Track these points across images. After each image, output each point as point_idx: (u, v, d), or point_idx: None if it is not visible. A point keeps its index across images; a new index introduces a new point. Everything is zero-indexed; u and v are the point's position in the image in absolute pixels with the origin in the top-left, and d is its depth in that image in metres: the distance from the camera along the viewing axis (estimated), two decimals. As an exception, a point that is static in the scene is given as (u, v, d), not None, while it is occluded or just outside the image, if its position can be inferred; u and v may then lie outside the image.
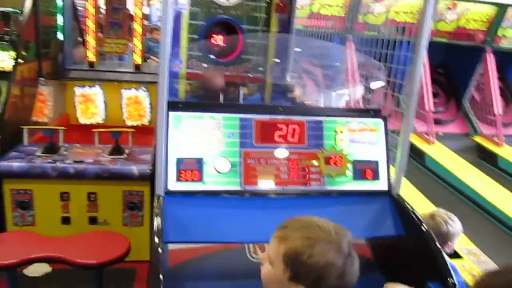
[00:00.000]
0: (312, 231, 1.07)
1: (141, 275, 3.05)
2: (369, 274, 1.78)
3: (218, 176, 1.66)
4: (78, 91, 3.89)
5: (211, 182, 1.65)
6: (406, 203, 1.76)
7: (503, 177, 4.30)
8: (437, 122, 4.96)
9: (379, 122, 1.86)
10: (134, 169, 2.92)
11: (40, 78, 3.63)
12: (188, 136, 1.65)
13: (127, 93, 3.97)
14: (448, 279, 1.49)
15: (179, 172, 1.63)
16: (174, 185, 1.62)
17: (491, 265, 2.38)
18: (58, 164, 2.85)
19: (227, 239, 1.62)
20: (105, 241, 2.49)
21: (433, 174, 4.19)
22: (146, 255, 3.15)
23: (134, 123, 3.95)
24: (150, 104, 3.97)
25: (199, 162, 1.65)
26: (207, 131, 1.67)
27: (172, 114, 1.62)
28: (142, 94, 4.00)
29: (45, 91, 3.79)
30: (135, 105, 4.03)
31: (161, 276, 1.32)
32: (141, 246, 2.93)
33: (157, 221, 1.48)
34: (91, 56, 4.02)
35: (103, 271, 2.43)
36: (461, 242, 2.71)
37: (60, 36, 4.00)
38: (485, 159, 4.64)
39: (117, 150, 3.07)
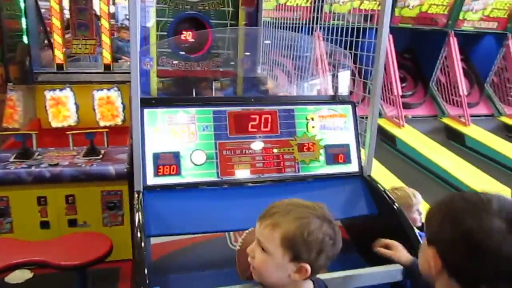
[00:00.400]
0: (300, 211, 1.12)
1: (124, 274, 3.07)
2: (346, 253, 1.86)
3: (195, 168, 1.70)
4: (48, 94, 3.82)
5: (189, 175, 1.69)
6: (377, 184, 1.84)
7: (470, 155, 4.47)
8: (406, 106, 5.10)
9: (348, 108, 1.94)
10: (111, 169, 2.92)
11: (9, 84, 3.57)
12: (163, 132, 1.69)
13: (99, 94, 3.93)
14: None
15: (156, 167, 1.66)
16: (152, 180, 1.65)
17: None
18: (33, 169, 2.82)
19: (207, 229, 1.67)
20: (86, 242, 2.50)
21: (404, 156, 4.32)
22: (128, 254, 3.16)
23: (108, 124, 3.91)
24: (123, 103, 3.94)
25: (176, 156, 1.68)
26: (182, 126, 1.71)
27: (146, 111, 1.65)
28: (114, 94, 3.96)
29: (14, 97, 3.72)
30: (108, 105, 3.99)
31: (145, 271, 1.35)
32: (123, 245, 2.93)
33: (138, 216, 1.51)
34: (60, 56, 3.96)
35: (86, 272, 2.44)
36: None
37: (25, 39, 3.92)
38: (453, 139, 4.81)
39: (92, 151, 3.07)
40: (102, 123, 3.90)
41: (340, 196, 1.80)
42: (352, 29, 2.55)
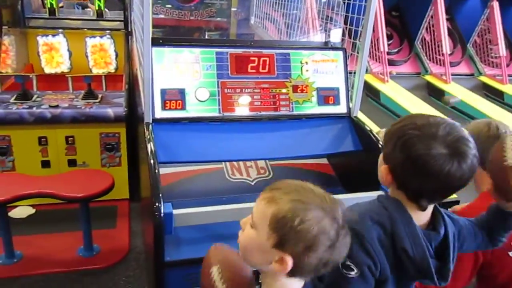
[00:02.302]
0: (305, 195, 0.93)
1: (122, 211, 3.27)
2: (332, 188, 2.06)
3: (199, 104, 1.86)
4: (41, 40, 3.83)
5: (193, 110, 1.85)
6: (363, 124, 2.03)
7: (449, 111, 4.68)
8: (391, 63, 5.24)
9: (339, 54, 2.09)
10: (110, 111, 3.05)
11: (4, 26, 3.59)
12: (170, 69, 1.82)
13: (92, 41, 3.95)
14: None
15: (164, 101, 1.81)
16: (160, 113, 1.80)
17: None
18: (35, 110, 2.94)
19: (210, 159, 1.85)
20: (90, 177, 2.66)
21: (387, 110, 4.51)
22: (125, 193, 3.38)
23: (101, 71, 3.96)
24: (115, 51, 3.98)
25: (181, 92, 1.83)
26: (187, 64, 1.84)
27: (154, 49, 1.77)
28: (107, 42, 3.98)
29: (7, 41, 3.75)
30: (101, 52, 4.02)
31: (160, 195, 1.52)
32: (120, 186, 3.13)
33: (150, 146, 1.67)
34: (52, 1, 3.97)
35: (88, 205, 2.62)
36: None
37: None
38: (434, 95, 5.02)
39: (90, 94, 3.18)
40: (95, 70, 3.95)
41: (329, 133, 1.99)
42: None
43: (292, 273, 0.93)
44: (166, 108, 1.81)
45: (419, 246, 1.05)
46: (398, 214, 1.08)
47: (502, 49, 5.39)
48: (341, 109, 2.06)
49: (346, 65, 2.09)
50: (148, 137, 1.70)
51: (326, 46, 2.16)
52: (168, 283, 1.56)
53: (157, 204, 1.48)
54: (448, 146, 1.00)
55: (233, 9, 4.11)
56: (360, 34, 2.05)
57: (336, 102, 2.05)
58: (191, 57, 1.85)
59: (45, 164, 3.11)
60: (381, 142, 1.94)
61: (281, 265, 0.91)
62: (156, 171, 1.58)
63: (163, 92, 1.81)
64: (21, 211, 3.09)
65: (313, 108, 2.02)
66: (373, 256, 1.06)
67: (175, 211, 1.51)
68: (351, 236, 0.97)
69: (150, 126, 1.77)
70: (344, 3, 2.37)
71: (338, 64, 2.07)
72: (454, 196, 1.34)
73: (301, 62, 2.01)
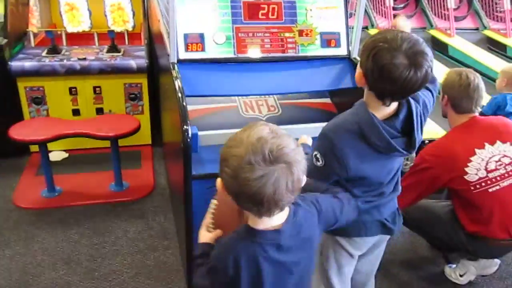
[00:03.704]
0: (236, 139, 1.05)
1: (145, 155, 3.62)
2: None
3: (217, 47, 2.13)
4: (63, 0, 4.06)
5: (212, 51, 2.13)
6: (361, 64, 2.29)
7: (452, 64, 4.87)
8: (398, 18, 5.41)
9: (341, 1, 2.33)
10: (133, 63, 3.34)
11: (28, -11, 3.83)
12: (191, 16, 2.09)
13: (110, 1, 4.15)
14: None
15: (186, 44, 2.09)
16: (183, 55, 2.08)
17: (431, 123, 2.99)
18: (65, 62, 3.23)
19: (228, 93, 2.16)
20: (118, 120, 2.99)
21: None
22: (148, 139, 3.71)
23: (119, 29, 4.19)
24: (133, 10, 4.19)
25: (201, 36, 2.11)
26: (206, 11, 2.11)
27: (177, -2, 2.03)
28: (124, 1, 4.19)
29: (32, 1, 4.00)
30: (119, 11, 4.22)
31: (189, 123, 1.81)
32: (143, 132, 3.45)
33: (177, 82, 1.95)
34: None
35: (118, 144, 2.94)
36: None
37: None
38: (438, 49, 5.19)
39: (114, 48, 3.46)
40: (114, 29, 4.20)
41: (331, 72, 2.26)
42: None
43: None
44: (188, 50, 2.09)
45: (382, 137, 1.37)
46: (365, 121, 1.38)
47: (507, 3, 5.50)
48: (342, 51, 2.32)
49: (346, 12, 2.33)
50: (175, 75, 1.99)
51: (328, -6, 2.40)
52: (194, 193, 1.89)
53: (185, 126, 1.79)
54: (409, 57, 1.25)
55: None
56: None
57: (338, 45, 2.31)
58: (209, 5, 2.11)
59: (76, 112, 3.43)
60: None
61: (218, 186, 1.12)
62: (184, 102, 1.88)
63: (186, 36, 2.09)
64: (56, 155, 3.45)
65: (316, 50, 2.28)
66: (340, 161, 1.39)
67: (200, 132, 1.81)
68: (325, 139, 1.39)
69: (176, 65, 2.05)
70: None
71: (339, 10, 2.31)
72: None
73: (305, 9, 2.26)
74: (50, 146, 2.94)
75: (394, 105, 1.41)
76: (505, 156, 2.11)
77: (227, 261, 1.10)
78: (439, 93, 2.08)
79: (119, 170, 3.04)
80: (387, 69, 1.26)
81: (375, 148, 1.40)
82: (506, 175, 2.11)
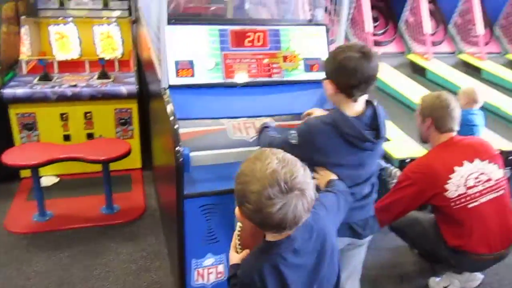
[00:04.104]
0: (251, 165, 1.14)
1: (135, 178, 3.68)
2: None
3: (206, 72, 2.25)
4: (53, 29, 4.14)
5: (201, 77, 2.24)
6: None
7: (431, 86, 5.08)
8: (378, 43, 5.61)
9: (322, 29, 2.48)
10: (123, 89, 3.44)
11: (21, 17, 3.94)
12: (181, 43, 2.21)
13: (100, 29, 4.27)
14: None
15: (177, 70, 2.20)
16: (174, 80, 2.19)
17: (413, 143, 3.13)
18: (57, 89, 3.32)
19: (216, 116, 2.24)
20: (109, 144, 3.07)
21: (375, 87, 4.91)
22: (138, 163, 3.77)
23: (108, 56, 4.31)
24: (121, 38, 4.31)
25: (191, 62, 2.22)
26: (195, 39, 2.23)
27: (169, 27, 2.15)
28: (113, 29, 4.31)
29: (23, 30, 4.10)
30: (108, 39, 4.34)
31: (181, 144, 1.91)
32: (133, 156, 3.52)
33: (169, 106, 2.05)
34: (62, -8, 4.31)
35: (109, 168, 3.01)
36: (393, 132, 3.47)
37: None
38: (417, 73, 5.41)
39: (104, 75, 3.57)
40: (103, 56, 4.31)
41: (314, 95, 2.37)
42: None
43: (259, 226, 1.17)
44: (179, 75, 2.20)
45: (354, 127, 1.61)
46: (338, 115, 1.65)
47: (481, 28, 5.77)
48: (324, 75, 2.45)
49: (327, 39, 2.48)
50: (167, 99, 2.09)
51: (310, 22, 2.55)
52: (187, 212, 1.97)
53: (177, 148, 1.88)
54: (360, 52, 1.55)
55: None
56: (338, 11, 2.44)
57: (320, 69, 2.44)
58: (199, 33, 2.24)
59: (67, 137, 3.51)
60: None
61: (238, 216, 1.21)
62: (176, 125, 1.98)
63: (177, 63, 2.20)
64: (47, 180, 3.49)
65: (300, 74, 2.41)
66: (314, 144, 1.63)
67: (191, 153, 1.91)
68: (305, 126, 1.67)
69: (167, 90, 2.16)
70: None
71: (320, 37, 2.46)
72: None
73: (289, 37, 2.40)
74: (41, 171, 2.99)
75: (362, 105, 1.67)
76: (483, 173, 2.23)
77: (253, 275, 1.19)
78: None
79: (110, 193, 3.10)
80: (344, 63, 1.57)
81: (349, 141, 1.62)
82: (484, 191, 2.22)
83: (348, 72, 1.56)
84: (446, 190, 2.19)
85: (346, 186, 1.64)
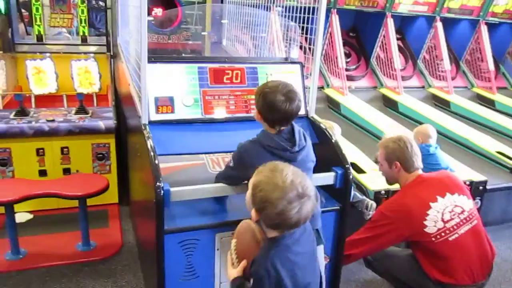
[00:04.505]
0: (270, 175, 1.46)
1: (112, 214, 3.63)
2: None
3: (185, 108, 2.30)
4: (30, 63, 4.14)
5: (180, 113, 2.29)
6: (318, 122, 2.50)
7: (403, 119, 5.26)
8: (351, 78, 5.82)
9: (298, 67, 2.59)
10: (101, 123, 3.44)
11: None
12: (161, 81, 2.26)
13: (77, 64, 4.29)
14: (346, 164, 2.26)
15: (157, 107, 2.24)
16: (154, 116, 2.23)
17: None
18: (34, 124, 3.30)
19: (196, 151, 2.29)
20: (87, 180, 3.04)
21: (347, 120, 5.05)
22: (115, 198, 3.74)
23: (85, 91, 4.30)
24: (99, 73, 4.34)
25: (171, 99, 2.27)
26: (175, 77, 2.29)
27: (148, 65, 2.21)
28: (91, 64, 4.34)
29: (-1, 64, 4.09)
30: (86, 74, 4.36)
31: (161, 179, 1.93)
32: (110, 191, 3.49)
33: (149, 141, 2.08)
34: (40, 29, 4.35)
35: (86, 204, 2.98)
36: (367, 164, 3.57)
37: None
38: (389, 106, 5.60)
39: (82, 110, 3.57)
40: (80, 90, 4.31)
41: (291, 130, 2.45)
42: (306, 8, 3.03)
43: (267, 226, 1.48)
44: (159, 112, 2.24)
45: (273, 140, 1.89)
46: (261, 134, 1.94)
47: (447, 64, 6.06)
48: (301, 111, 2.53)
49: (303, 76, 2.58)
50: (147, 135, 2.12)
51: (286, 61, 2.65)
52: (166, 247, 1.96)
53: (158, 183, 1.90)
54: (284, 95, 1.84)
55: (204, 33, 4.60)
56: (313, 50, 2.55)
57: (296, 105, 2.52)
58: (178, 71, 2.30)
59: (42, 173, 3.45)
60: (333, 137, 2.42)
61: (253, 217, 1.49)
62: (156, 160, 2.00)
63: (156, 99, 2.25)
64: (20, 217, 3.40)
65: (277, 110, 2.48)
66: (245, 161, 1.89)
67: (171, 189, 1.93)
68: (237, 151, 1.95)
69: (147, 126, 2.19)
70: (301, 27, 2.87)
71: (296, 75, 2.56)
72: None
73: (266, 74, 2.49)
74: (14, 207, 2.93)
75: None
76: (456, 206, 2.30)
77: (268, 268, 1.43)
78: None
79: (87, 229, 3.05)
80: (272, 104, 1.85)
81: (273, 153, 1.87)
82: (461, 223, 2.29)
83: (274, 111, 1.86)
84: (425, 226, 2.24)
85: None
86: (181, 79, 2.31)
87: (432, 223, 2.24)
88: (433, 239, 2.24)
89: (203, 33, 4.68)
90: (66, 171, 3.50)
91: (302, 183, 1.42)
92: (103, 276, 2.83)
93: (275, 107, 1.84)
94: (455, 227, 2.26)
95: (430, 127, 3.44)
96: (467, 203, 2.34)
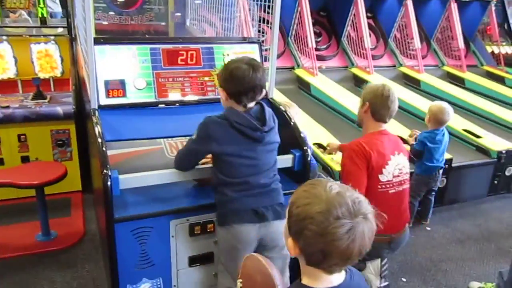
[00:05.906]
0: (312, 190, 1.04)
1: (75, 202, 3.54)
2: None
3: (137, 92, 2.21)
4: (-15, 48, 3.97)
5: (133, 97, 2.20)
6: (278, 103, 2.45)
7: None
8: (321, 58, 5.76)
9: (256, 46, 2.51)
10: (59, 109, 3.32)
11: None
12: (111, 63, 2.16)
13: (37, 47, 4.09)
14: (304, 147, 2.22)
15: (107, 91, 2.15)
16: (104, 101, 2.14)
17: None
18: (-14, 111, 3.16)
19: (149, 136, 2.21)
20: (44, 168, 2.93)
21: (317, 100, 5.01)
22: (77, 185, 3.64)
23: (47, 75, 4.13)
24: (61, 56, 4.17)
25: (122, 82, 2.18)
26: (126, 59, 2.20)
27: (97, 47, 2.11)
28: (52, 47, 4.16)
29: (-48, 49, 3.89)
30: (46, 58, 4.17)
31: (109, 167, 1.86)
32: (72, 178, 3.40)
33: (97, 128, 2.00)
34: (-4, 12, 4.14)
35: (44, 193, 2.88)
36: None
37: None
38: (359, 86, 5.58)
39: (39, 95, 3.43)
40: (41, 75, 4.10)
41: (250, 112, 2.39)
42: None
43: (308, 262, 1.04)
44: (110, 96, 2.15)
45: (242, 118, 1.82)
46: (229, 110, 1.87)
47: (417, 42, 6.06)
48: (260, 92, 2.47)
49: (261, 56, 2.51)
50: (95, 120, 2.04)
51: (244, 40, 2.57)
52: (118, 236, 1.90)
53: (105, 171, 1.82)
54: (248, 63, 1.80)
55: (170, 12, 4.47)
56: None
57: (255, 86, 2.46)
58: (129, 52, 2.21)
59: (-1, 162, 3.33)
60: (292, 119, 2.37)
61: (290, 249, 1.04)
62: (104, 147, 1.92)
63: (107, 82, 2.15)
64: (-23, 208, 3.29)
65: (235, 92, 2.42)
66: (210, 134, 1.82)
67: (122, 176, 1.86)
68: (203, 123, 1.84)
69: (96, 112, 2.10)
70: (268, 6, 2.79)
71: (255, 55, 2.48)
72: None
73: (223, 54, 2.41)
74: (-31, 198, 2.82)
75: (251, 105, 1.88)
76: (404, 166, 2.35)
77: None
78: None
79: (46, 219, 2.96)
80: (234, 72, 1.80)
81: (240, 130, 1.81)
82: (402, 182, 2.33)
83: (237, 80, 1.80)
84: (382, 173, 2.26)
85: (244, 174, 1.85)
86: (133, 61, 2.22)
87: (387, 172, 2.27)
88: (379, 187, 2.26)
89: (171, 12, 4.54)
90: (25, 159, 3.38)
91: (354, 197, 1.00)
92: (63, 266, 2.75)
93: (239, 76, 1.79)
94: (397, 183, 2.31)
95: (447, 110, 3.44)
96: (407, 167, 2.39)
